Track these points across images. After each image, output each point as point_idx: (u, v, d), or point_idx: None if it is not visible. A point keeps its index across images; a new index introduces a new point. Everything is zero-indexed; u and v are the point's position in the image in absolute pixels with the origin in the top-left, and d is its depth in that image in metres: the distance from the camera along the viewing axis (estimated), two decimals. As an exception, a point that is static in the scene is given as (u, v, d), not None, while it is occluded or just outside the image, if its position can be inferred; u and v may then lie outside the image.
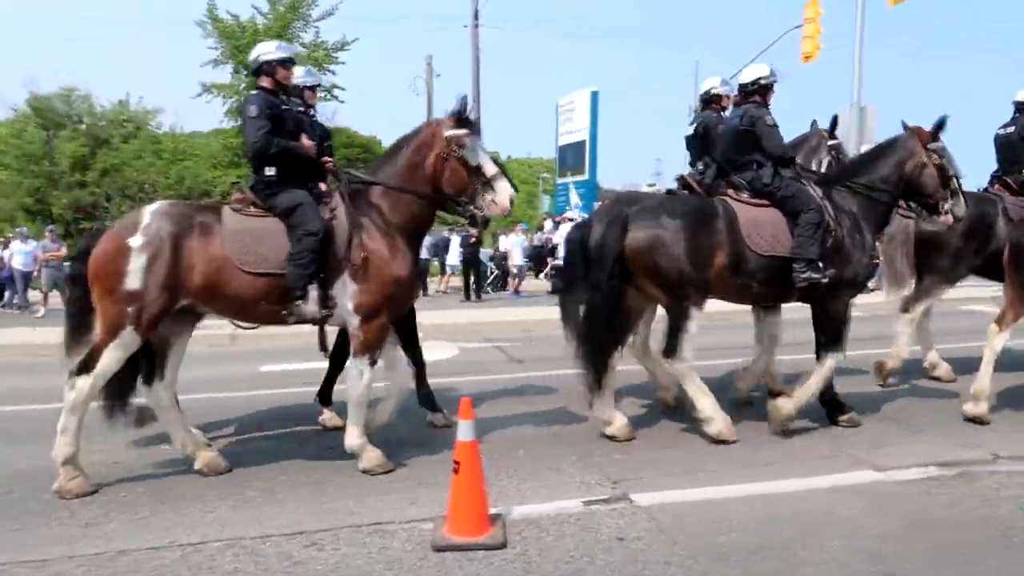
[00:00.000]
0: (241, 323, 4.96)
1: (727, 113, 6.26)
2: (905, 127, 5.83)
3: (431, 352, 8.82)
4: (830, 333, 5.53)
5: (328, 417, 5.73)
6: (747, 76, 5.79)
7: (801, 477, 4.47)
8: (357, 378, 4.61)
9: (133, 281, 4.28)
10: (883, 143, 5.94)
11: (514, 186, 4.79)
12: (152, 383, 4.70)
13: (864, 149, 16.20)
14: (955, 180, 5.71)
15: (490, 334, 9.87)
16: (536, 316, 12.55)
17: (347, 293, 4.56)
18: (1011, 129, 7.34)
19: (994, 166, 7.38)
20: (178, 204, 4.83)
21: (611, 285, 5.14)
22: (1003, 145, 7.37)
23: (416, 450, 5.02)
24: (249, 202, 4.71)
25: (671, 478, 4.49)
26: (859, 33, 16.85)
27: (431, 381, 5.85)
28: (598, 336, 5.22)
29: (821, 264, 5.24)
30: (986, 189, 7.20)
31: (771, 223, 5.36)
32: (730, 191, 5.63)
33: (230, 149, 26.15)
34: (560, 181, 25.49)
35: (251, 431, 5.67)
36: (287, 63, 4.88)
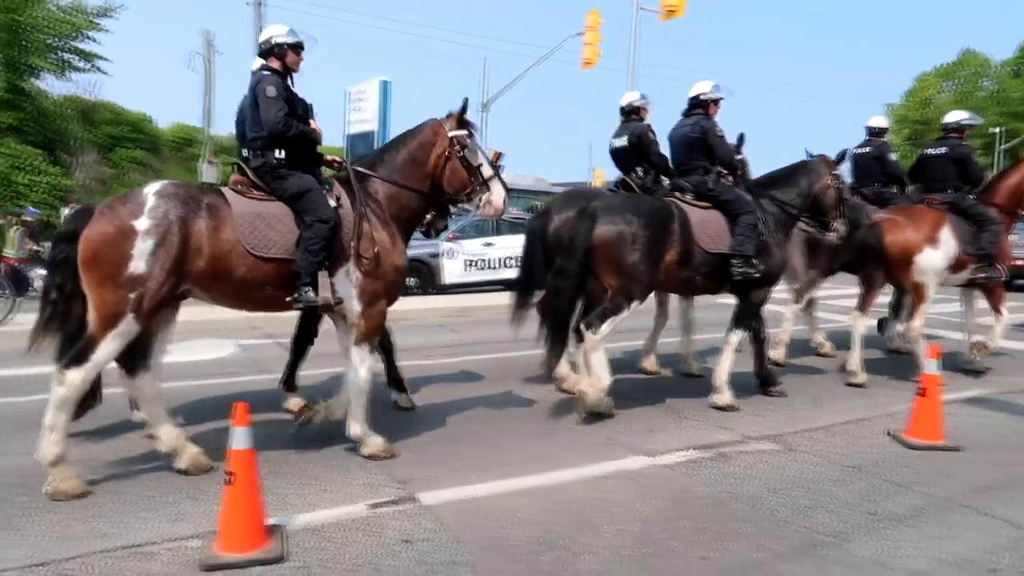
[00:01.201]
0: (236, 310, 4.89)
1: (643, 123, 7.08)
2: (810, 155, 6.73)
3: (205, 351, 8.26)
4: (747, 317, 6.35)
5: (295, 403, 5.63)
6: (697, 90, 6.45)
7: (581, 466, 4.67)
8: (359, 365, 4.72)
9: (138, 265, 4.07)
10: (797, 164, 6.70)
11: (506, 188, 5.06)
12: (136, 374, 4.40)
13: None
14: (845, 204, 6.72)
15: (272, 329, 9.36)
16: (324, 310, 12.17)
17: (351, 281, 4.65)
18: (867, 150, 8.78)
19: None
20: (182, 184, 4.51)
21: (579, 273, 5.65)
22: (859, 163, 8.76)
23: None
24: (249, 184, 4.68)
25: (459, 474, 4.50)
26: (633, 45, 18.09)
27: (205, 383, 5.47)
28: (562, 315, 5.75)
29: (755, 260, 5.93)
30: None
31: (715, 223, 5.99)
32: (676, 193, 6.26)
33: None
34: (350, 171, 24.71)
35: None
36: (298, 48, 4.92)
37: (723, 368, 6.21)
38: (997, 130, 43.72)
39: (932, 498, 4.28)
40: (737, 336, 6.31)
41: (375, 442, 4.77)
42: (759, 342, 6.66)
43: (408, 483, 4.32)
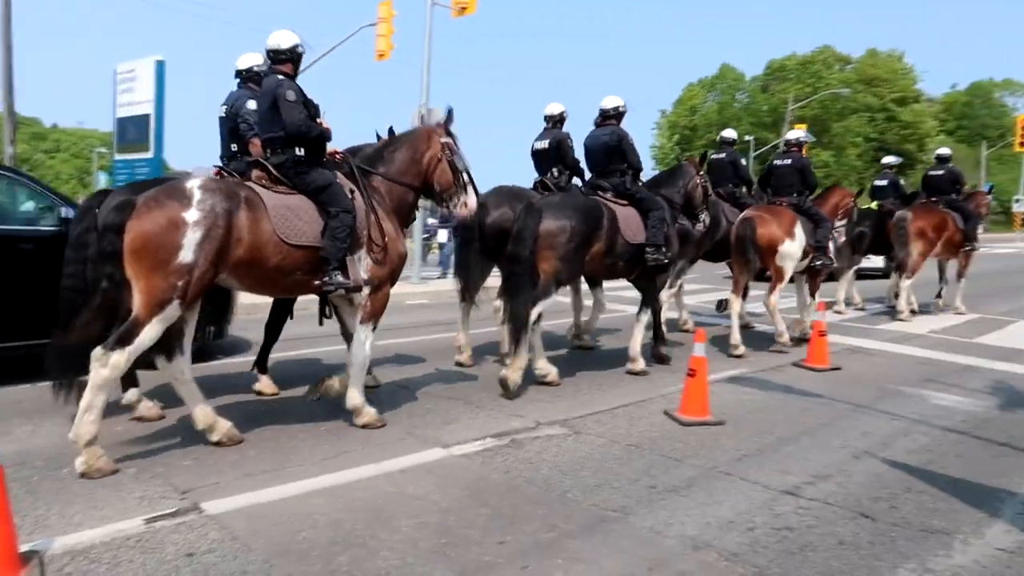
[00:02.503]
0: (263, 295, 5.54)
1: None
2: (679, 159, 8.51)
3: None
4: (651, 297, 7.48)
5: (265, 384, 6.18)
6: (608, 104, 7.49)
7: (378, 462, 4.61)
8: (362, 343, 5.30)
9: (187, 255, 4.36)
10: (674, 168, 8.16)
11: (477, 194, 5.94)
12: (173, 358, 4.75)
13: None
14: (709, 199, 8.16)
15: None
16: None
17: (362, 266, 5.14)
18: (722, 156, 10.46)
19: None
20: (219, 179, 4.99)
21: (531, 259, 6.39)
22: (715, 167, 10.06)
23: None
24: (271, 179, 5.04)
25: (250, 479, 4.27)
26: (428, 39, 18.07)
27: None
28: (522, 298, 6.37)
29: (663, 249, 6.97)
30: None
31: (634, 218, 6.98)
32: (598, 192, 7.16)
33: None
34: (119, 157, 22.61)
35: None
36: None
37: (636, 341, 7.39)
38: (749, 138, 49.12)
39: (701, 469, 4.72)
40: (647, 315, 7.48)
41: (369, 412, 5.35)
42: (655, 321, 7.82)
43: (190, 492, 4.02)
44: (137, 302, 4.38)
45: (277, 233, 4.73)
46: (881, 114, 55.35)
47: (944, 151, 13.14)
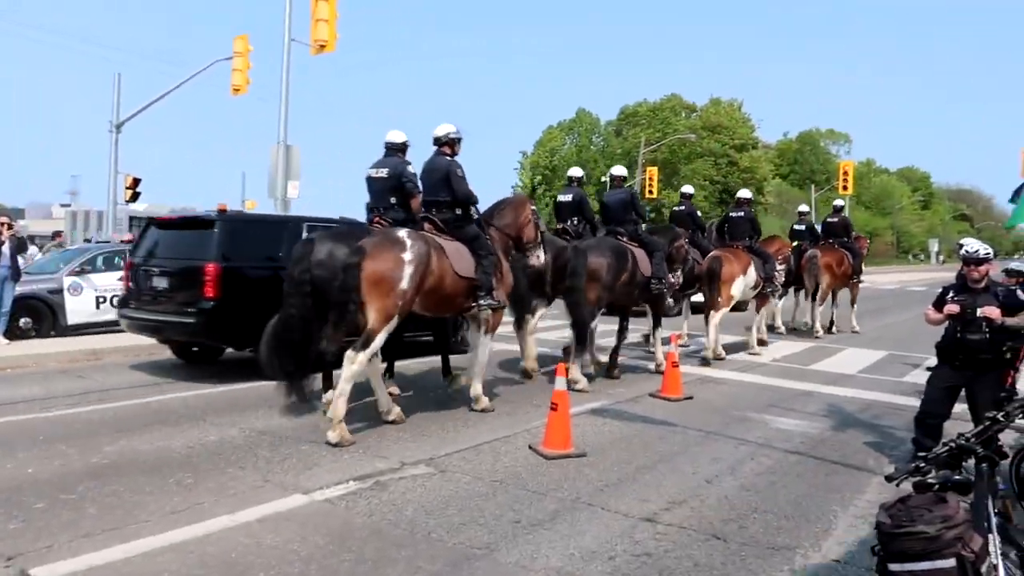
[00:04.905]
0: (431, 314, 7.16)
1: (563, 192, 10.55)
2: (672, 225, 11.30)
3: None
4: (660, 320, 10.09)
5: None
6: (619, 172, 10.55)
7: (232, 513, 4.38)
8: (485, 347, 7.34)
9: (405, 284, 6.15)
10: (665, 225, 11.37)
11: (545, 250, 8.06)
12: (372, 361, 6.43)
13: (292, 185, 17.08)
14: (687, 259, 10.90)
15: None
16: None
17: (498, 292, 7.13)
18: (682, 208, 12.46)
19: None
20: (416, 230, 6.69)
21: (583, 289, 8.41)
22: (675, 218, 12.29)
23: None
24: (437, 229, 6.93)
25: (87, 540, 3.93)
26: (285, 77, 17.72)
27: None
28: (584, 319, 8.46)
29: (664, 281, 9.31)
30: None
31: (647, 258, 9.25)
32: (618, 236, 9.24)
33: None
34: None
35: None
36: None
37: (659, 351, 9.85)
38: (605, 179, 51.27)
39: (564, 501, 4.81)
40: (660, 331, 9.95)
41: (485, 400, 7.29)
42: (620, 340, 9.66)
43: (17, 558, 3.66)
44: (372, 319, 6.09)
45: (452, 267, 6.59)
46: (724, 159, 59.33)
47: (839, 202, 16.83)
